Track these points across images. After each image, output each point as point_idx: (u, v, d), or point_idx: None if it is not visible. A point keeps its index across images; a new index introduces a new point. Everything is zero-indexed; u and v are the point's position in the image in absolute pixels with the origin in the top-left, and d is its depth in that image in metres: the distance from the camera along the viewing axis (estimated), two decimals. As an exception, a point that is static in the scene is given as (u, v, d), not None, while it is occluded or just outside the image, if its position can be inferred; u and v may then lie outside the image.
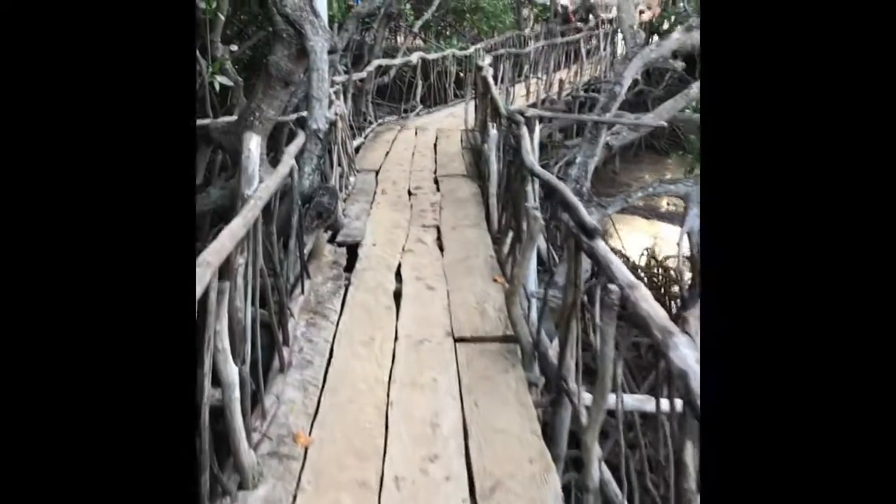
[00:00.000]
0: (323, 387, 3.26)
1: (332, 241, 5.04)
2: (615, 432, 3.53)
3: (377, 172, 7.53)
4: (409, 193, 6.71)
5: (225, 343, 2.47)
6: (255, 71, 9.73)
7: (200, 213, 6.18)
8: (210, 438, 2.40)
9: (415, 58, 11.79)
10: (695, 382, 1.70)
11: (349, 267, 4.71)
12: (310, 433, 2.93)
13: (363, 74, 9.67)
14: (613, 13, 21.17)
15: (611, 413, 2.82)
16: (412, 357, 3.56)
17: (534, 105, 11.70)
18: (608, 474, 2.87)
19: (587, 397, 3.02)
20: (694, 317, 1.95)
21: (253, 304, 3.00)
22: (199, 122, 5.44)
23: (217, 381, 2.48)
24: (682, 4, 14.35)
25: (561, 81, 12.87)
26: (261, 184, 3.22)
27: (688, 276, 6.26)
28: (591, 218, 2.89)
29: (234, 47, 8.58)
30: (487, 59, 9.66)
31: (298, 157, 4.15)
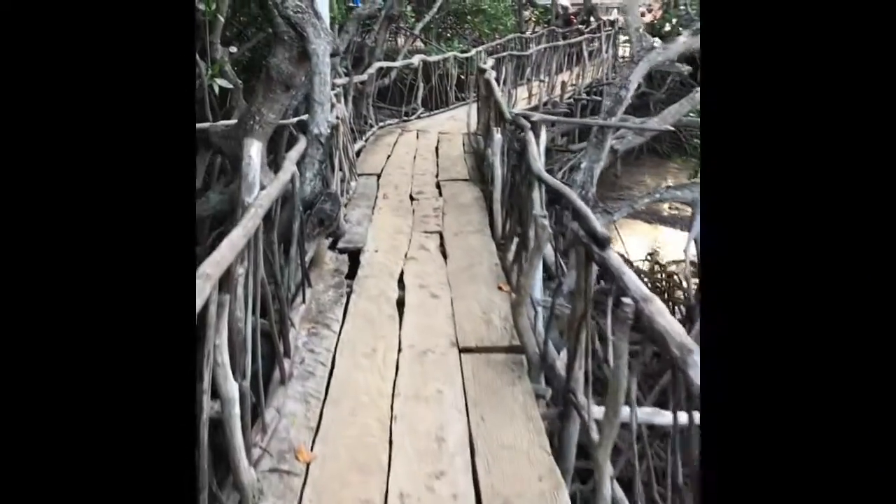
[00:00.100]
0: (325, 399, 3.18)
1: (333, 247, 4.95)
2: (625, 446, 3.45)
3: (378, 176, 7.44)
4: (411, 198, 6.62)
5: (225, 357, 2.39)
6: (255, 73, 9.66)
7: (199, 219, 6.09)
8: (209, 455, 2.33)
9: (416, 60, 11.71)
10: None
11: (351, 274, 4.62)
12: (311, 448, 2.85)
13: (364, 77, 9.59)
14: (614, 15, 21.14)
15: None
16: (416, 368, 3.48)
17: (536, 108, 11.63)
18: (620, 492, 2.78)
19: (596, 410, 2.94)
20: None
21: (253, 313, 2.92)
22: (198, 125, 5.35)
23: (216, 393, 2.41)
24: (683, 7, 14.30)
25: (563, 84, 12.78)
26: (261, 191, 3.14)
27: (695, 282, 6.18)
28: (601, 227, 2.81)
29: (234, 49, 8.51)
30: (490, 62, 9.57)
31: (300, 162, 4.07)
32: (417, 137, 9.80)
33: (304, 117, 5.12)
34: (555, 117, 7.65)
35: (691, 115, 7.98)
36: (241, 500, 2.50)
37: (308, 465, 2.75)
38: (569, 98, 12.94)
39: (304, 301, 3.95)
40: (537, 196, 4.06)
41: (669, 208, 12.43)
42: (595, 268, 2.81)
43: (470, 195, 6.64)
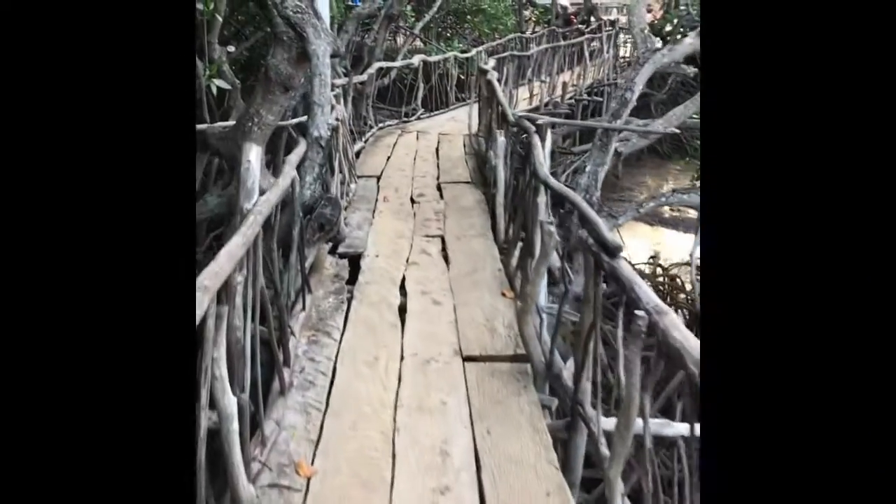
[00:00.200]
0: (326, 410, 3.09)
1: (333, 252, 4.86)
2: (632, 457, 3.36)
3: (378, 178, 7.35)
4: (412, 201, 6.53)
5: (223, 371, 2.31)
6: (253, 71, 9.59)
7: (197, 222, 6.01)
8: (206, 469, 2.25)
9: (416, 60, 11.61)
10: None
11: (351, 280, 4.54)
12: (312, 462, 2.76)
13: (364, 77, 9.50)
14: (614, 15, 21.08)
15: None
16: (419, 378, 3.39)
17: (537, 108, 11.54)
18: (630, 509, 2.70)
19: (604, 421, 2.87)
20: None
21: (252, 320, 2.83)
22: (196, 127, 5.27)
23: (213, 403, 2.32)
24: (684, 7, 14.21)
25: (564, 84, 12.69)
26: (260, 196, 3.05)
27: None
28: (612, 235, 2.72)
29: (232, 48, 8.42)
30: (491, 63, 9.49)
31: (299, 166, 3.98)
32: (417, 138, 9.71)
33: (304, 119, 5.03)
34: (560, 120, 7.56)
35: (695, 116, 7.90)
36: (239, 518, 2.42)
37: (308, 479, 2.66)
38: (570, 99, 12.86)
39: (303, 308, 3.86)
40: (543, 201, 3.97)
41: (671, 210, 12.35)
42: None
43: (472, 198, 6.56)
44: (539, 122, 4.72)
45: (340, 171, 5.80)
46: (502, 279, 4.58)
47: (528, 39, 16.52)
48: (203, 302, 2.04)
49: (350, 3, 11.58)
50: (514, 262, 4.65)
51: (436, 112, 12.14)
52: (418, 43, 15.81)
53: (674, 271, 8.94)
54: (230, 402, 2.31)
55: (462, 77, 13.70)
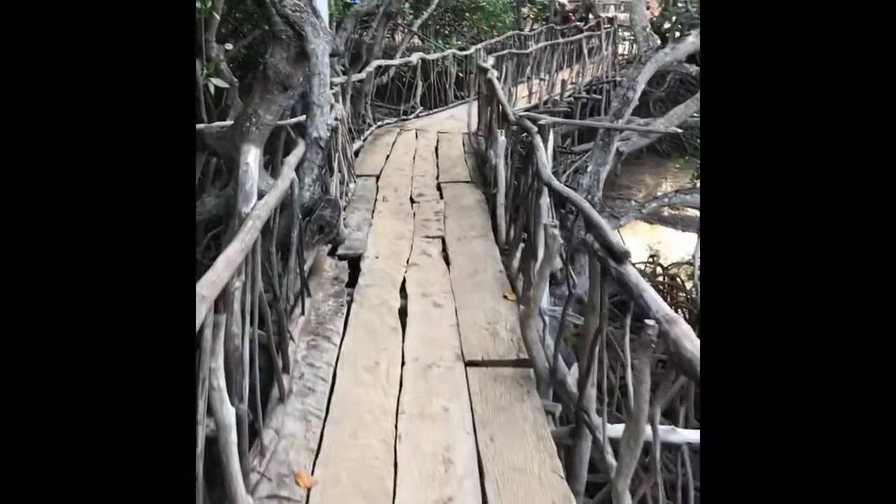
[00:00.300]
0: (326, 418, 3.03)
1: (332, 253, 4.80)
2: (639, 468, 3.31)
3: (377, 178, 7.28)
4: (412, 201, 6.47)
5: (221, 381, 2.24)
6: (252, 69, 9.51)
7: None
8: (203, 479, 2.18)
9: (414, 58, 11.54)
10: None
11: (351, 282, 4.47)
12: (312, 472, 2.71)
13: (362, 75, 9.43)
14: (612, 12, 20.99)
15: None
16: (420, 383, 3.33)
17: (536, 106, 11.48)
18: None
19: (610, 428, 2.81)
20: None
21: (252, 324, 2.77)
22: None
23: (210, 411, 2.26)
24: (681, 5, 14.15)
25: (563, 82, 12.63)
26: (259, 200, 2.99)
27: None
28: (619, 240, 2.66)
29: (230, 46, 8.35)
30: (490, 60, 9.42)
31: (298, 167, 3.91)
32: (416, 137, 9.64)
33: (302, 118, 4.97)
34: (562, 119, 7.49)
35: (695, 115, 7.85)
36: (238, 531, 2.36)
37: (308, 490, 2.61)
38: (569, 96, 12.80)
39: (303, 312, 3.80)
40: (546, 204, 3.91)
41: (670, 208, 12.29)
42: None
43: (472, 198, 6.50)
44: (541, 122, 4.64)
45: (339, 171, 5.73)
46: (504, 281, 4.53)
47: (527, 37, 16.46)
48: (200, 312, 1.98)
49: (348, 0, 11.49)
50: (515, 263, 4.59)
51: (435, 110, 12.08)
52: (416, 40, 15.72)
53: (673, 271, 8.91)
54: (228, 413, 2.25)
55: (461, 75, 13.63)
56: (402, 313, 4.09)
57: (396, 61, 12.02)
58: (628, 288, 2.45)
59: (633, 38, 19.03)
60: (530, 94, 12.16)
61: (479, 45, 13.89)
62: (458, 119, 10.59)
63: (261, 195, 3.38)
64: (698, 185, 7.96)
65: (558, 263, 3.89)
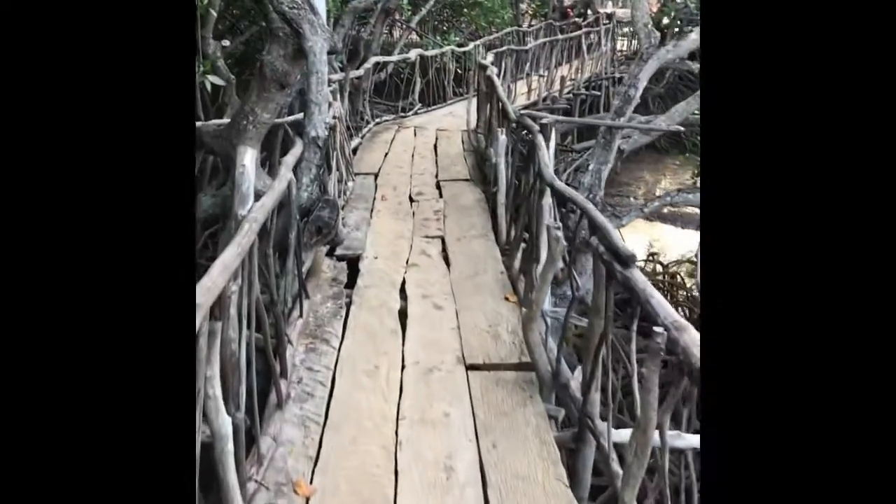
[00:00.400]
0: (324, 424, 2.97)
1: (330, 254, 4.73)
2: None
3: (376, 176, 7.21)
4: (411, 199, 6.40)
5: (217, 390, 2.18)
6: (249, 66, 9.42)
7: (191, 221, 5.85)
8: (197, 488, 2.12)
9: (413, 54, 11.46)
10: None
11: (350, 283, 4.41)
12: (311, 480, 2.65)
13: (360, 72, 9.34)
14: (610, 8, 20.92)
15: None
16: (421, 388, 3.27)
17: (535, 103, 11.41)
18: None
19: (614, 433, 2.76)
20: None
21: (248, 327, 2.70)
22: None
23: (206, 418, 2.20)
24: (680, 0, 14.06)
25: (562, 79, 12.55)
26: (256, 202, 2.92)
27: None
28: (624, 243, 2.61)
29: (227, 42, 8.25)
30: (489, 57, 9.34)
31: (296, 167, 3.84)
32: (415, 134, 9.56)
33: (300, 116, 4.89)
34: (564, 118, 7.42)
35: (697, 113, 7.78)
36: (235, 543, 2.30)
37: (307, 499, 2.55)
38: (568, 93, 12.72)
39: (301, 315, 3.73)
40: (548, 204, 3.85)
41: (670, 206, 12.24)
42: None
43: (471, 196, 6.43)
44: (543, 120, 4.57)
45: (337, 170, 5.67)
46: (505, 282, 4.47)
47: (525, 33, 16.37)
48: (196, 319, 1.92)
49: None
50: (516, 264, 4.53)
51: (433, 107, 11.99)
52: (414, 37, 15.64)
53: (673, 269, 8.85)
54: (224, 423, 2.19)
55: (459, 71, 13.55)
56: (402, 315, 4.03)
57: (394, 58, 11.93)
58: (635, 293, 2.40)
59: (631, 34, 19.02)
60: (529, 90, 12.09)
61: (477, 42, 13.79)
62: (457, 116, 10.51)
63: (258, 195, 3.32)
64: (699, 182, 7.91)
65: (560, 264, 3.82)
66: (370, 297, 4.20)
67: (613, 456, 2.71)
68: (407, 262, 4.80)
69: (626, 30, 19.29)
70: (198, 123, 4.96)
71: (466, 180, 7.04)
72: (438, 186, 6.86)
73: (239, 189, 3.00)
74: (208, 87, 6.15)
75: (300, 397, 3.13)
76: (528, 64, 12.64)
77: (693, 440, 3.14)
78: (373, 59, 10.29)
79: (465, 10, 16.91)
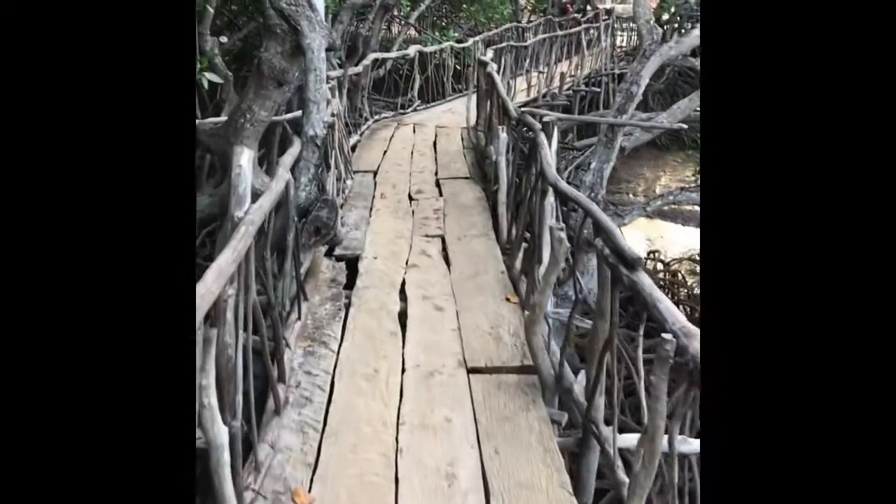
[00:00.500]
0: (323, 430, 2.91)
1: (329, 254, 4.66)
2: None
3: (375, 174, 7.14)
4: (410, 198, 6.33)
5: (212, 399, 2.12)
6: (247, 62, 9.33)
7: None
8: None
9: (412, 51, 11.38)
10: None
11: (349, 284, 4.34)
12: (309, 488, 2.59)
13: (359, 69, 9.27)
14: (609, 3, 20.81)
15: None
16: (422, 392, 3.21)
17: (535, 100, 11.34)
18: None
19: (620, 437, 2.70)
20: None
21: (245, 329, 2.64)
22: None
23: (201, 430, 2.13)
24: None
25: (562, 75, 12.47)
26: (253, 204, 2.85)
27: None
28: (630, 246, 2.54)
29: (224, 39, 8.18)
30: (489, 54, 9.26)
31: (294, 167, 3.78)
32: (414, 131, 9.49)
33: (298, 113, 4.82)
34: (566, 116, 7.35)
35: (698, 110, 7.71)
36: (231, 555, 2.24)
37: (306, 508, 2.49)
38: (568, 90, 12.63)
39: (299, 317, 3.67)
40: (551, 204, 3.78)
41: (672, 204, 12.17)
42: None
43: (471, 195, 6.36)
44: (546, 119, 4.50)
45: (336, 168, 5.60)
46: (506, 282, 4.40)
47: (525, 29, 16.28)
48: (196, 318, 1.85)
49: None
50: (518, 264, 4.47)
51: (432, 104, 11.90)
52: (413, 33, 15.55)
53: (674, 266, 8.79)
54: (220, 433, 2.13)
55: (458, 68, 13.46)
56: (402, 316, 3.97)
57: (393, 54, 11.85)
58: (641, 297, 2.33)
59: (630, 29, 18.94)
60: (529, 87, 12.00)
61: (476, 38, 13.71)
62: (457, 113, 10.43)
63: (256, 195, 3.25)
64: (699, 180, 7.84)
65: (562, 265, 3.76)
66: (369, 298, 4.13)
67: (619, 463, 2.65)
68: (407, 263, 4.74)
69: (624, 25, 19.21)
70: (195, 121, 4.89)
71: (466, 178, 6.98)
72: (438, 184, 6.79)
73: (235, 190, 2.93)
74: (205, 84, 6.06)
75: (298, 402, 3.07)
76: (527, 60, 12.55)
77: (698, 445, 3.08)
78: (371, 56, 10.22)
79: (464, 5, 16.84)
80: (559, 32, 14.39)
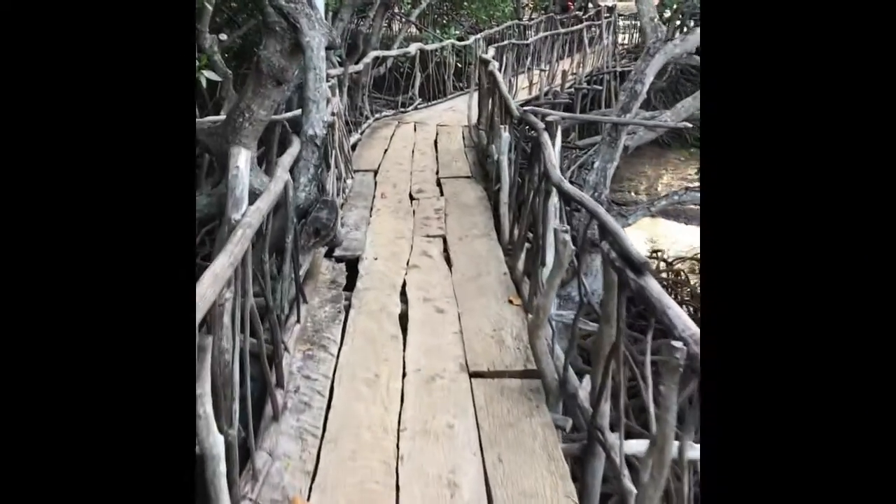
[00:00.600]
0: (323, 437, 2.84)
1: (329, 255, 4.60)
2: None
3: (376, 173, 7.08)
4: (411, 197, 6.26)
5: (207, 408, 2.06)
6: (247, 60, 9.27)
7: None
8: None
9: (413, 48, 11.31)
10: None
11: (349, 285, 4.28)
12: (308, 497, 2.53)
13: (359, 67, 9.20)
14: (611, 1, 20.73)
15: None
16: (423, 397, 3.14)
17: (537, 98, 11.27)
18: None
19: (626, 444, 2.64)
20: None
21: (242, 331, 2.57)
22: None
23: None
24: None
25: (564, 73, 12.39)
26: (250, 206, 2.78)
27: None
28: (637, 250, 2.48)
29: (224, 36, 8.11)
30: (491, 52, 9.19)
31: (293, 168, 3.71)
32: (415, 130, 9.42)
33: (298, 112, 4.76)
34: (569, 115, 7.27)
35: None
36: (228, 568, 2.18)
37: (305, 518, 2.43)
38: (570, 87, 12.56)
39: (298, 320, 3.60)
40: (554, 205, 3.72)
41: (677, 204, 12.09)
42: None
43: (473, 194, 6.29)
44: (549, 118, 4.43)
45: (336, 167, 5.54)
46: (508, 284, 4.34)
47: (526, 27, 16.21)
48: (196, 318, 1.79)
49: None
50: (520, 265, 4.40)
51: (433, 102, 11.84)
52: (414, 30, 15.47)
53: (678, 266, 8.73)
54: (216, 443, 2.07)
55: (459, 65, 13.39)
56: (403, 318, 3.90)
57: (394, 52, 11.78)
58: (650, 303, 2.27)
59: (632, 27, 18.86)
60: (531, 85, 11.94)
61: (478, 36, 13.63)
62: (458, 111, 10.37)
63: (254, 195, 3.19)
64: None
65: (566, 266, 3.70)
66: (370, 300, 4.07)
67: (625, 472, 2.59)
68: (407, 264, 4.67)
69: (627, 23, 19.13)
70: (193, 120, 4.82)
71: (468, 177, 6.91)
72: (439, 184, 6.72)
73: (232, 193, 2.87)
74: (203, 82, 5.99)
75: (297, 408, 3.01)
76: (528, 58, 12.48)
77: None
78: (372, 54, 10.15)
79: (466, 3, 16.77)
80: (561, 30, 14.31)
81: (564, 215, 3.99)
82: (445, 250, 4.96)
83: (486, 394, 3.18)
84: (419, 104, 11.32)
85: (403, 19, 14.67)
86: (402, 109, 10.89)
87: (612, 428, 2.76)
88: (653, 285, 2.32)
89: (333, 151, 5.18)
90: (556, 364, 3.24)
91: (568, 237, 2.98)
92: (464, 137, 8.80)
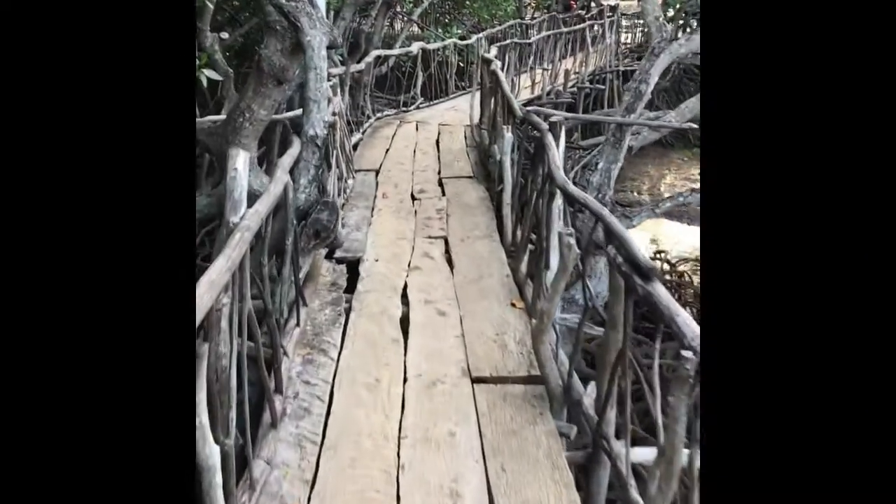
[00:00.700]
0: (322, 444, 2.79)
1: (329, 256, 4.54)
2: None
3: (377, 173, 7.02)
4: (413, 198, 6.20)
5: (203, 417, 2.01)
6: (248, 59, 9.21)
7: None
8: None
9: (415, 48, 11.25)
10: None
11: (350, 287, 4.22)
12: (307, 506, 2.47)
13: (361, 66, 9.14)
14: (613, 0, 20.65)
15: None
16: (424, 403, 3.09)
17: (539, 97, 11.21)
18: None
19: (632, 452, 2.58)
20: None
21: (240, 334, 2.52)
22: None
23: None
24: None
25: (566, 72, 12.33)
26: (249, 209, 2.73)
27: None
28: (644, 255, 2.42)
29: (225, 35, 8.05)
30: (493, 51, 9.13)
31: (293, 168, 3.65)
32: (417, 129, 9.37)
33: (299, 112, 4.70)
34: (571, 115, 7.21)
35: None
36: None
37: (303, 528, 2.38)
38: (572, 87, 12.50)
39: (298, 324, 3.55)
40: (559, 207, 3.65)
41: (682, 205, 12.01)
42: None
43: (475, 194, 6.23)
44: (553, 119, 4.37)
45: (337, 167, 5.48)
46: (511, 286, 4.28)
47: (528, 26, 16.15)
48: (195, 318, 1.74)
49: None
50: (523, 267, 4.35)
51: (435, 101, 11.79)
52: (416, 29, 15.41)
53: (681, 267, 8.66)
54: (212, 453, 2.01)
55: (462, 65, 13.33)
56: (404, 321, 3.84)
57: (396, 51, 11.73)
58: (658, 310, 2.21)
59: (635, 26, 18.78)
60: (533, 84, 11.88)
61: (480, 35, 13.57)
62: (460, 111, 10.31)
63: (254, 197, 3.13)
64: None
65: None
66: (370, 302, 4.01)
67: (632, 482, 2.53)
68: (409, 265, 4.62)
69: (629, 22, 19.05)
70: (192, 120, 4.76)
71: (470, 177, 6.85)
72: (441, 184, 6.66)
73: (231, 195, 2.81)
74: (204, 81, 5.93)
75: (296, 414, 2.95)
76: (531, 57, 12.42)
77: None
78: (374, 53, 10.09)
79: (468, 2, 16.69)
80: (563, 29, 14.24)
81: (568, 217, 3.93)
82: (447, 251, 4.91)
83: (488, 400, 3.12)
84: (421, 103, 11.26)
85: (405, 18, 14.60)
86: (404, 109, 10.83)
87: (618, 435, 2.70)
88: (661, 292, 2.26)
89: (335, 151, 5.12)
90: (560, 370, 3.19)
91: (573, 241, 2.92)
92: (466, 137, 8.74)
